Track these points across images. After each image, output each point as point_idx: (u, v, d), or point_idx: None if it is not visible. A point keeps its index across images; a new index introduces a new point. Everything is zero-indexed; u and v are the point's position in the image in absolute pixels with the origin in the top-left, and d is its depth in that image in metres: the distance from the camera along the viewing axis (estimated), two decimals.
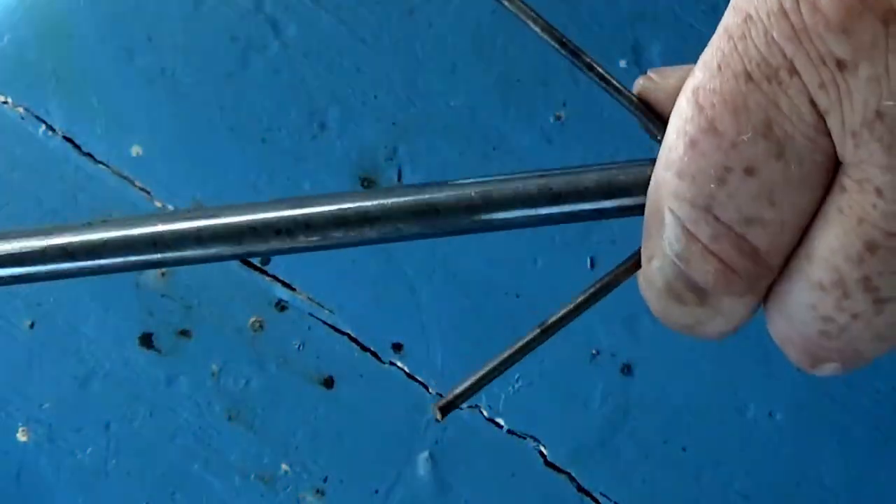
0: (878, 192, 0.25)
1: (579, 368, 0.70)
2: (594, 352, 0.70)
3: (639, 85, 0.31)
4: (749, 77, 0.26)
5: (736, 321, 0.31)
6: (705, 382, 0.70)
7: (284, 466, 0.71)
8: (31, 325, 0.72)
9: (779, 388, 0.70)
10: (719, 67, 0.26)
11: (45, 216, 0.72)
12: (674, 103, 0.29)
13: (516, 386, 0.71)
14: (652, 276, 0.30)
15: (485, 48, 0.71)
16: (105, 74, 0.72)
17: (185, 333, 0.72)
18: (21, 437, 0.72)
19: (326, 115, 0.72)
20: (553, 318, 0.31)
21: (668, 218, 0.28)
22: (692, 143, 0.27)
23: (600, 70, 0.31)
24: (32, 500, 0.72)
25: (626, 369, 0.70)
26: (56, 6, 0.73)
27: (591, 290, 0.32)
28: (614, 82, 0.31)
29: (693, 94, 0.27)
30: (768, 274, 0.28)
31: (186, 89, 0.72)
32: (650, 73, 0.31)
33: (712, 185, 0.27)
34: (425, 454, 0.71)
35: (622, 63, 0.71)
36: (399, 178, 0.71)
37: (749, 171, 0.27)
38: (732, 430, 0.70)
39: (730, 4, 0.26)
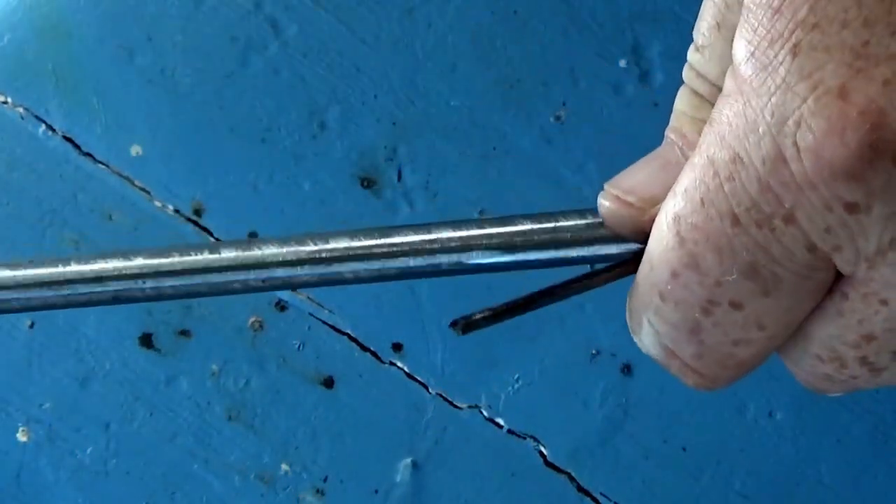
0: (884, 302, 0.25)
1: (579, 368, 0.70)
2: (594, 352, 0.70)
3: (605, 208, 0.29)
4: (736, 220, 0.25)
5: None
6: None
7: (284, 466, 0.71)
8: (31, 325, 0.72)
9: (779, 388, 0.70)
10: (702, 203, 0.25)
11: (44, 216, 0.72)
12: (635, 222, 0.28)
13: (516, 386, 0.71)
14: (637, 344, 0.30)
15: (485, 48, 0.71)
16: (105, 74, 0.72)
17: (185, 333, 0.72)
18: (21, 437, 0.72)
19: (326, 115, 0.72)
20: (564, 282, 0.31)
21: (647, 327, 0.28)
22: (674, 274, 0.26)
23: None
24: (32, 500, 0.72)
25: (626, 369, 0.70)
26: (56, 6, 0.73)
27: (593, 273, 0.31)
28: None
29: (674, 222, 0.26)
30: (751, 371, 0.28)
31: (186, 89, 0.72)
32: (611, 190, 0.29)
33: (696, 315, 0.26)
34: (425, 454, 0.71)
35: (622, 63, 0.71)
36: (399, 178, 0.71)
37: (735, 306, 0.26)
38: (732, 430, 0.70)
39: (710, 130, 0.25)
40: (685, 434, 0.70)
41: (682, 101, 0.29)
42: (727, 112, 0.25)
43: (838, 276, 0.26)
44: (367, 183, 0.71)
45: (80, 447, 0.72)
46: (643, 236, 0.29)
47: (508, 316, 0.31)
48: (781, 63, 0.23)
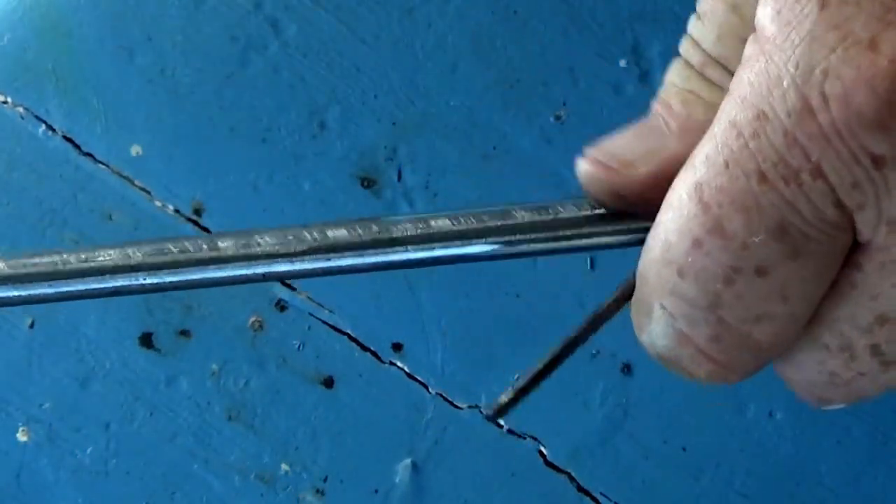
0: None
1: (579, 368, 0.70)
2: (594, 352, 0.70)
3: (583, 171, 0.29)
4: (763, 177, 0.24)
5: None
6: None
7: (284, 466, 0.71)
8: (31, 325, 0.72)
9: (779, 388, 0.69)
10: (726, 164, 0.24)
11: (44, 216, 0.72)
12: (639, 186, 0.28)
13: (516, 386, 0.71)
14: (642, 344, 0.29)
15: (485, 48, 0.71)
16: (105, 74, 0.72)
17: (185, 333, 0.72)
18: (21, 437, 0.72)
19: (326, 115, 0.72)
20: (575, 333, 0.31)
21: (658, 313, 0.27)
22: (696, 243, 0.25)
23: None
24: (32, 500, 0.72)
25: (626, 369, 0.70)
26: (56, 6, 0.73)
27: (596, 313, 0.32)
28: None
29: (696, 190, 0.25)
30: (767, 363, 0.28)
31: (186, 89, 0.72)
32: (595, 155, 0.29)
33: (718, 286, 0.25)
34: (425, 454, 0.71)
35: (622, 63, 0.71)
36: (399, 178, 0.71)
37: (760, 272, 0.25)
38: (732, 430, 0.70)
39: (730, 98, 0.25)
40: (685, 434, 0.70)
41: (673, 72, 0.29)
42: (747, 75, 0.24)
43: (854, 250, 0.25)
44: (367, 183, 0.71)
45: (80, 447, 0.72)
46: (619, 201, 0.29)
47: (533, 387, 0.32)
48: (808, 16, 0.23)
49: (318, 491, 0.71)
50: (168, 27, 0.72)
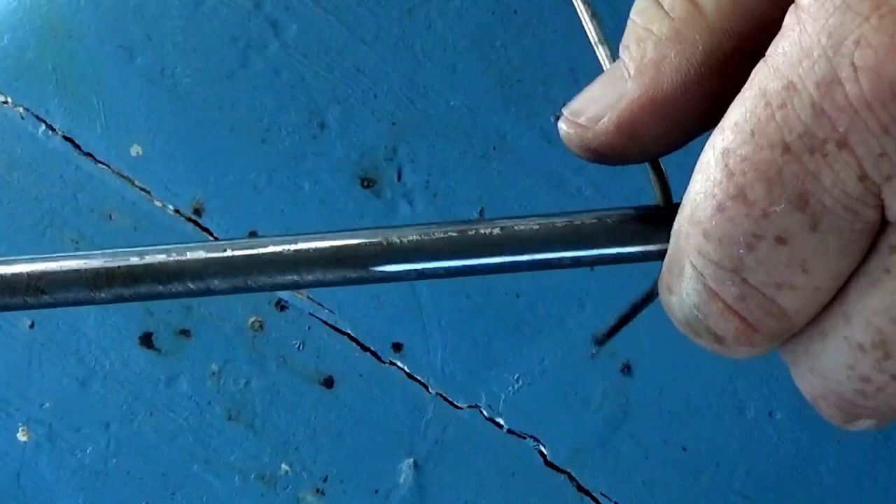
0: None
1: (579, 368, 0.70)
2: (594, 352, 0.70)
3: (562, 130, 0.30)
4: (787, 148, 0.24)
5: (754, 355, 0.30)
6: (705, 382, 0.70)
7: (284, 466, 0.71)
8: (31, 325, 0.72)
9: (779, 388, 0.70)
10: (753, 133, 0.25)
11: (45, 216, 0.72)
12: (607, 137, 0.29)
13: (516, 386, 0.71)
14: (670, 307, 0.29)
15: (485, 48, 0.71)
16: (105, 74, 0.72)
17: (185, 333, 0.72)
18: (21, 437, 0.72)
19: (326, 115, 0.72)
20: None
21: (689, 271, 0.27)
22: (720, 208, 0.26)
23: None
24: (32, 500, 0.72)
25: (626, 369, 0.70)
26: (56, 6, 0.73)
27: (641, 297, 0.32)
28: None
29: (723, 156, 0.25)
30: (793, 331, 0.27)
31: (186, 89, 0.72)
32: (567, 114, 0.30)
33: (741, 251, 0.26)
34: (425, 454, 0.71)
35: None
36: (399, 178, 0.71)
37: (780, 241, 0.25)
38: (732, 430, 0.70)
39: (764, 65, 0.25)
40: (685, 434, 0.70)
41: (634, 7, 0.30)
42: (782, 44, 0.24)
43: (884, 230, 0.25)
44: (368, 183, 0.71)
45: (80, 447, 0.72)
46: (594, 154, 0.30)
47: (633, 316, 0.32)
48: None
49: (318, 491, 0.71)
50: (168, 27, 0.72)
